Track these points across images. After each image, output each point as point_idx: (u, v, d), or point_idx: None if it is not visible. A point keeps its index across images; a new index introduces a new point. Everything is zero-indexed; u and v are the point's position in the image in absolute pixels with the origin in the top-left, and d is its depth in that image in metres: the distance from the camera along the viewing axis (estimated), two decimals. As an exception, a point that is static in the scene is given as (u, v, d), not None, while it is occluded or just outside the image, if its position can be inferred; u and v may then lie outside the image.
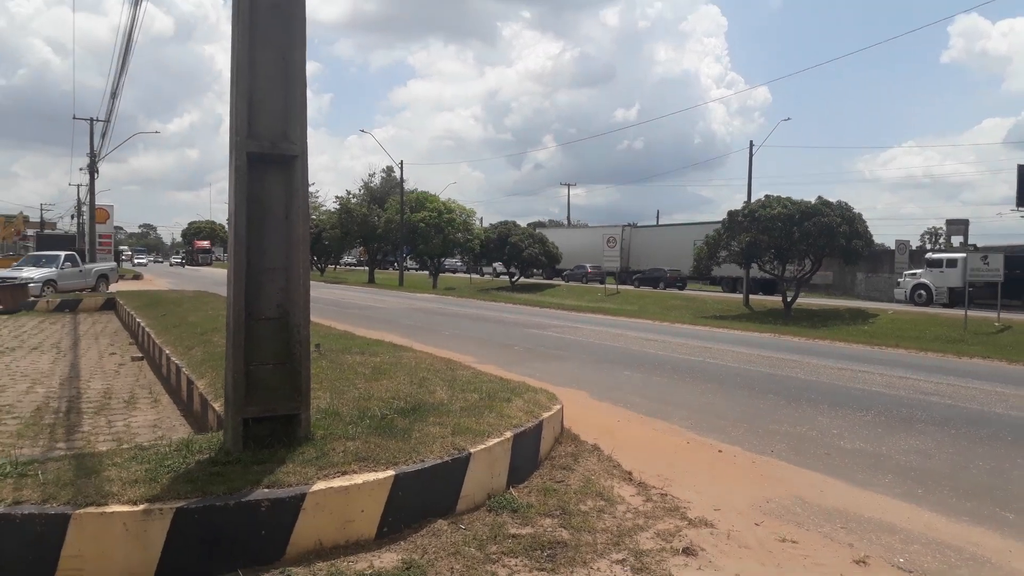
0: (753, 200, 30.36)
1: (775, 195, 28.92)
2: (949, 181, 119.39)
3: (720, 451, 6.78)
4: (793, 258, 28.41)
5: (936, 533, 4.78)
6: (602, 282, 41.66)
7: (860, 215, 27.94)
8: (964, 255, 28.45)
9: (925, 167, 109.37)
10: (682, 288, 41.08)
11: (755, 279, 35.34)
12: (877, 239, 30.59)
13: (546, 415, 6.23)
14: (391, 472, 4.43)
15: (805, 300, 30.37)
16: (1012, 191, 31.28)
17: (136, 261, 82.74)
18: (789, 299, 28.57)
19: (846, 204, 27.90)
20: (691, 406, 8.89)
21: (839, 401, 9.39)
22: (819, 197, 28.04)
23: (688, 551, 4.33)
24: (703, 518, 4.89)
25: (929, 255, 30.47)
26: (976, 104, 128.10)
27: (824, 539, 4.65)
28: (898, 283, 32.93)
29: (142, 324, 14.38)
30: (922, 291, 30.92)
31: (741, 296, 32.74)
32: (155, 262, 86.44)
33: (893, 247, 38.16)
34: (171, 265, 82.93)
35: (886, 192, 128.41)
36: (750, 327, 22.33)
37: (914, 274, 31.91)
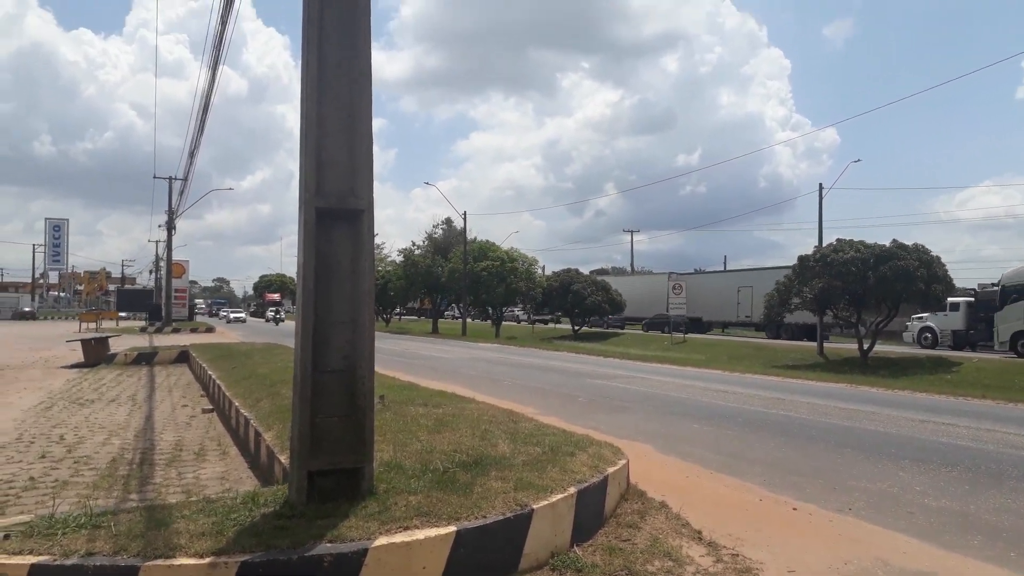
0: (824, 244, 29.61)
1: (847, 239, 28.18)
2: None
3: (795, 509, 6.49)
4: (869, 304, 27.47)
5: (1035, 602, 4.44)
6: (675, 330, 41.10)
7: (938, 258, 26.92)
8: (968, 299, 29.61)
9: (1006, 206, 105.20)
10: (685, 332, 39.91)
11: (798, 325, 35.43)
12: (957, 283, 29.41)
13: (611, 470, 6.08)
14: (453, 528, 4.38)
15: (882, 348, 29.24)
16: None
17: (232, 316, 73.03)
18: (866, 347, 27.54)
19: (923, 247, 26.96)
20: (763, 461, 8.57)
21: (922, 456, 8.92)
22: (894, 240, 27.20)
23: (762, 616, 4.12)
24: (778, 581, 4.66)
25: (950, 299, 29.85)
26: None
27: (910, 606, 4.37)
28: (906, 327, 33.13)
29: (213, 376, 14.79)
30: (928, 334, 32.32)
31: (815, 344, 31.75)
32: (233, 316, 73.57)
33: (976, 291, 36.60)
34: (267, 320, 71.04)
35: (965, 234, 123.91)
36: (825, 377, 21.59)
37: (920, 318, 32.56)
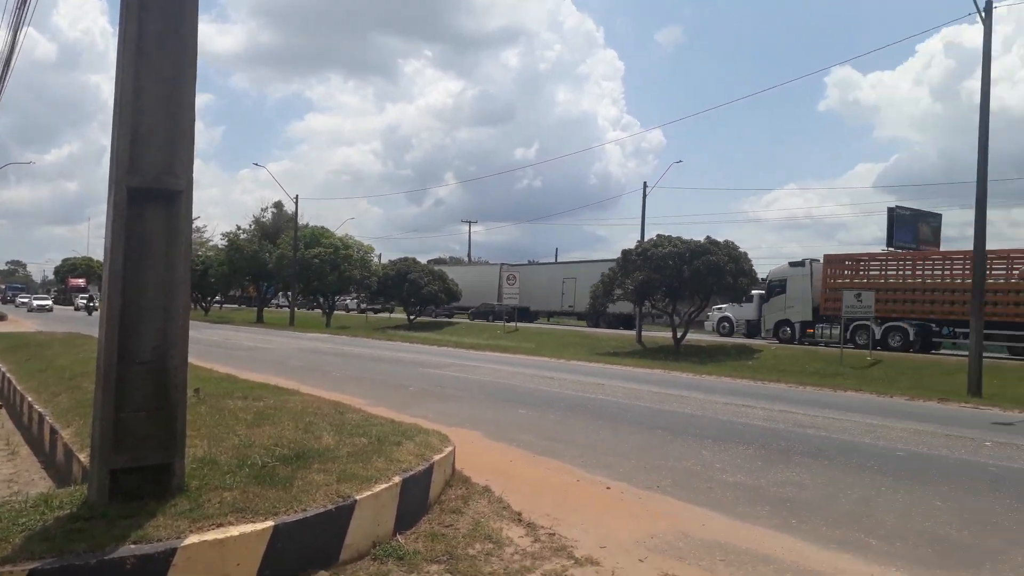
0: (646, 239, 31.42)
1: (666, 235, 30.06)
2: (826, 222, 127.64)
3: (608, 488, 6.89)
4: (684, 296, 29.49)
5: (807, 561, 5.00)
6: (504, 319, 42.08)
7: (745, 254, 29.39)
8: (760, 291, 32.01)
9: (805, 208, 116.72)
10: (508, 320, 41.61)
11: (616, 314, 37.84)
12: (762, 277, 32.32)
13: (437, 457, 6.16)
14: (270, 523, 4.27)
15: (693, 336, 31.52)
16: (882, 232, 33.62)
17: (35, 303, 61.55)
18: (679, 336, 29.56)
19: (732, 243, 29.30)
20: (582, 443, 9.01)
21: (723, 435, 9.74)
22: (707, 237, 29.37)
23: (573, 591, 4.36)
24: (589, 556, 4.93)
25: (754, 291, 32.93)
26: (850, 150, 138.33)
27: (704, 572, 4.78)
28: (707, 316, 35.88)
29: (2, 369, 13.38)
30: (725, 323, 35.50)
31: (635, 333, 33.67)
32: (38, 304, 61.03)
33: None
34: (76, 309, 61.64)
35: (770, 232, 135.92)
36: (642, 363, 22.97)
37: (720, 308, 35.28)
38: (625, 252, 30.35)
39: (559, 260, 63.25)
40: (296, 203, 48.83)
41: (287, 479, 5.03)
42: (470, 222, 79.32)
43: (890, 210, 33.23)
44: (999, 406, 14.69)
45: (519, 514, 5.79)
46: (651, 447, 8.91)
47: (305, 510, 4.50)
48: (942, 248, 33.24)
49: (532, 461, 7.99)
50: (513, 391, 14.23)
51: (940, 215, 35.71)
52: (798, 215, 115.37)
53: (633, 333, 34.26)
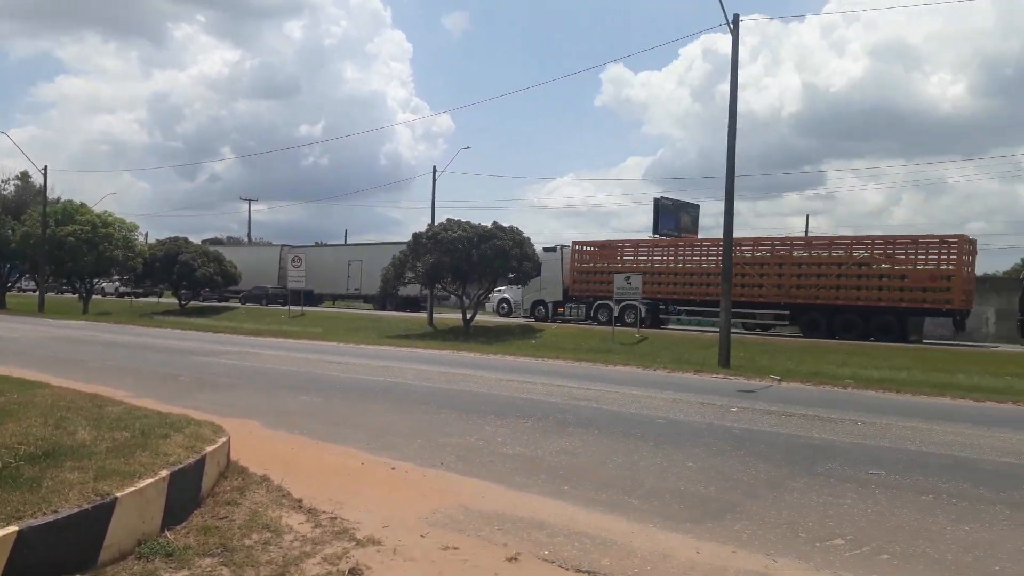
0: (437, 223, 31.71)
1: (456, 219, 30.54)
2: (601, 210, 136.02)
3: (393, 468, 6.94)
4: (473, 279, 30.20)
5: (576, 524, 5.38)
6: (280, 302, 40.55)
7: (529, 239, 30.65)
8: (538, 277, 33.52)
9: (583, 197, 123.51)
10: (284, 304, 41.40)
11: (406, 298, 38.26)
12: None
13: (209, 449, 5.85)
14: (13, 528, 3.84)
15: (482, 318, 32.41)
16: (650, 220, 36.58)
17: None
18: (468, 317, 30.25)
19: (517, 229, 30.39)
20: (368, 427, 8.98)
21: (505, 411, 10.15)
22: (494, 222, 30.21)
23: (354, 572, 4.36)
24: (371, 537, 4.95)
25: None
26: (622, 143, 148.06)
27: (483, 542, 4.98)
28: (488, 298, 37.66)
29: None
30: (504, 304, 37.47)
31: (426, 315, 33.94)
32: None
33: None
34: None
35: (552, 219, 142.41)
36: (432, 345, 23.26)
37: (500, 290, 37.37)
38: (416, 235, 30.45)
39: (348, 243, 62.04)
40: (45, 175, 43.51)
41: (34, 479, 4.54)
42: (250, 200, 75.05)
43: (656, 200, 36.24)
44: (744, 376, 16.63)
45: (300, 501, 5.67)
46: (437, 426, 9.08)
47: (56, 511, 4.10)
48: (700, 235, 36.84)
49: (316, 447, 7.83)
50: (297, 377, 13.82)
51: (698, 206, 39.59)
52: (576, 203, 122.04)
53: (423, 315, 34.53)
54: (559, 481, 6.61)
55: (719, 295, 26.51)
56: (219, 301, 47.16)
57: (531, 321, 32.91)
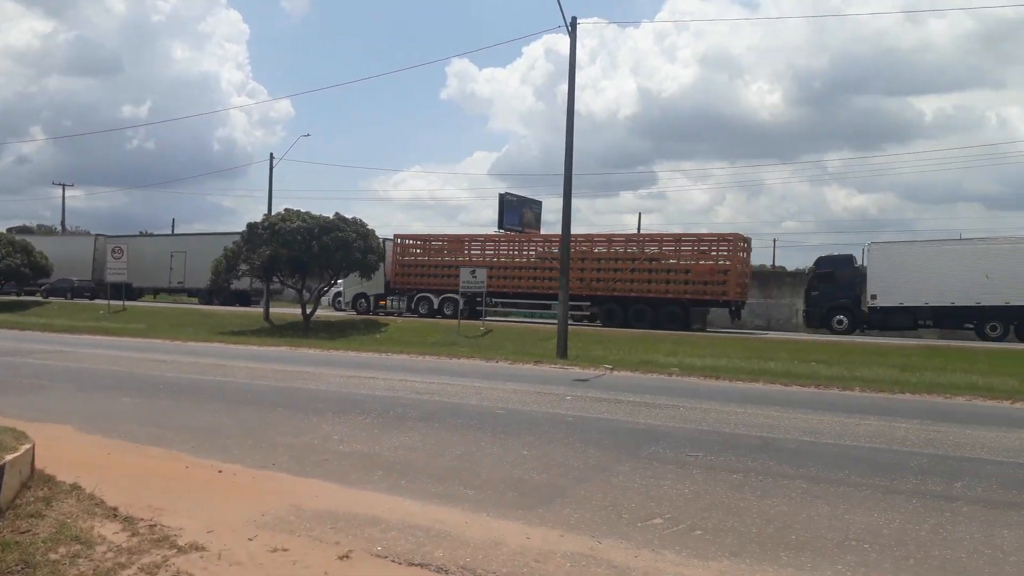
0: (274, 213, 30.51)
1: (295, 209, 29.53)
2: (449, 204, 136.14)
3: (220, 471, 6.64)
4: (313, 271, 29.32)
5: (412, 518, 5.40)
6: (87, 296, 37.51)
7: (373, 231, 30.18)
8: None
9: (430, 190, 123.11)
10: (92, 298, 39.29)
11: (236, 292, 36.82)
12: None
13: (9, 457, 5.34)
14: None
15: (323, 312, 31.60)
16: (495, 215, 37.05)
17: None
18: (309, 311, 29.37)
19: (361, 221, 29.82)
20: (194, 428, 8.54)
21: (343, 407, 9.97)
22: (336, 213, 29.49)
23: (175, 581, 4.15)
24: (195, 543, 4.72)
25: None
26: (469, 138, 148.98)
27: (314, 541, 4.89)
28: (325, 291, 37.25)
29: None
30: (340, 299, 37.09)
31: (262, 310, 32.59)
32: None
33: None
34: None
35: (398, 211, 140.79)
36: (269, 341, 22.40)
37: (336, 284, 36.88)
38: (251, 226, 29.11)
39: (176, 232, 58.29)
40: None
41: None
42: (64, 185, 68.66)
43: (501, 196, 36.82)
44: (580, 365, 17.28)
45: (115, 509, 5.31)
46: (270, 426, 8.78)
47: None
48: (543, 231, 37.83)
49: (136, 451, 7.36)
50: (117, 377, 12.89)
51: (541, 202, 40.57)
52: (424, 196, 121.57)
53: (258, 310, 33.15)
54: (396, 476, 6.60)
55: (531, 288, 29.87)
56: (18, 296, 42.93)
57: (377, 316, 32.47)
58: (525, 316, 30.27)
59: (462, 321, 27.01)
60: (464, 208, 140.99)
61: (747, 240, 28.99)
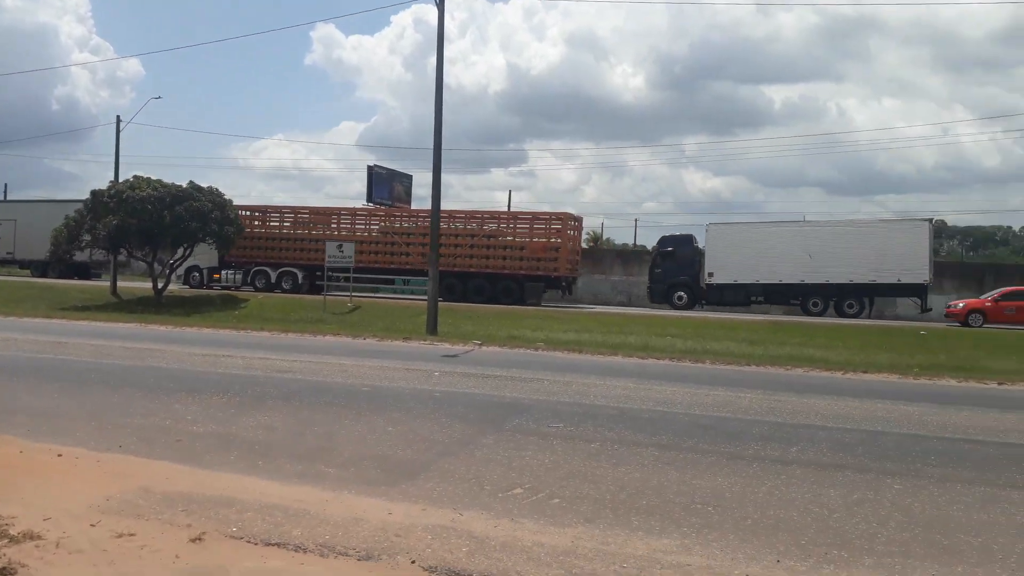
0: (121, 180, 28.49)
1: (145, 176, 27.70)
2: (314, 175, 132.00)
3: (60, 455, 6.21)
4: (166, 243, 27.68)
5: (269, 498, 5.26)
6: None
7: (231, 201, 28.76)
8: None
9: (293, 159, 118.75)
10: None
11: (75, 264, 34.17)
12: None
13: None
14: None
15: (178, 287, 29.98)
16: (365, 187, 36.22)
17: None
18: (161, 286, 27.74)
19: (217, 190, 28.33)
20: (31, 411, 7.91)
21: (198, 387, 9.53)
22: (191, 182, 27.85)
23: (6, 572, 3.85)
24: (29, 531, 4.40)
25: None
26: (336, 107, 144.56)
27: (164, 525, 4.68)
28: (177, 265, 35.70)
29: None
30: (195, 273, 34.04)
31: (109, 284, 30.47)
32: None
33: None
34: None
35: (260, 181, 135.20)
36: (116, 317, 21.05)
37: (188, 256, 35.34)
38: (95, 193, 27.01)
39: (11, 199, 53.29)
40: None
41: None
42: None
43: (369, 168, 36.08)
44: (449, 341, 17.32)
45: (-67, 501, 4.86)
46: (117, 407, 8.28)
47: None
48: (413, 206, 37.47)
49: (-41, 437, 6.73)
50: (-62, 356, 11.70)
51: (411, 176, 40.08)
52: (287, 166, 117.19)
53: (104, 284, 31.01)
54: (254, 456, 6.41)
55: (374, 263, 29.68)
56: None
57: (236, 292, 31.08)
58: (369, 292, 29.97)
59: (328, 297, 26.38)
60: (330, 180, 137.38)
61: (578, 219, 30.39)
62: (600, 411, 8.88)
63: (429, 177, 20.34)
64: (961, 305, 25.90)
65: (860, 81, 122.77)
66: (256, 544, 4.44)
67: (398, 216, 32.27)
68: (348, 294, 27.31)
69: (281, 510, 5.00)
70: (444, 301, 27.56)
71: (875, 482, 6.12)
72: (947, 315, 26.60)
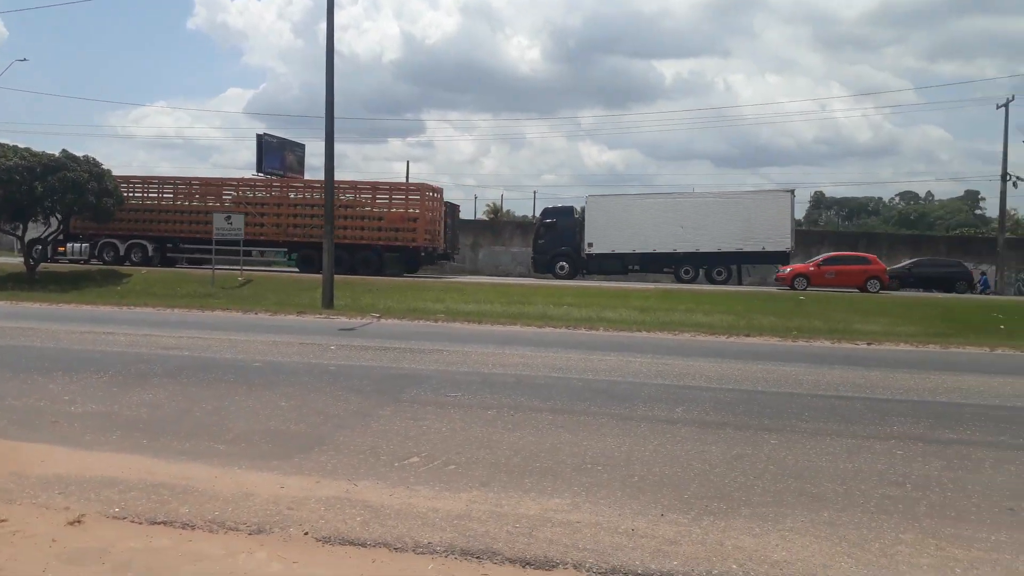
0: (-15, 149, 26.33)
1: (11, 144, 25.74)
2: (200, 143, 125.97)
3: (-82, 442, 5.79)
4: (37, 215, 25.89)
5: (154, 477, 5.09)
6: None
7: (110, 171, 27.13)
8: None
9: (177, 127, 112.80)
10: None
11: None
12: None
13: None
14: None
15: (53, 264, 28.17)
16: (254, 157, 34.84)
17: None
18: (34, 262, 25.98)
19: (94, 159, 26.65)
20: None
21: (76, 366, 9.04)
22: (64, 150, 26.09)
23: None
24: None
25: None
26: (221, 73, 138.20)
27: (39, 509, 4.46)
28: (50, 239, 33.97)
29: None
30: (39, 246, 33.07)
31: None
32: None
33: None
34: None
35: (141, 150, 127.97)
36: (-18, 295, 19.59)
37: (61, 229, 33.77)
38: (-45, 162, 24.95)
39: None
40: None
41: None
42: None
43: (259, 137, 34.81)
44: (347, 315, 17.08)
45: None
46: (-16, 389, 7.75)
47: None
48: (307, 176, 36.44)
49: None
50: None
51: (304, 145, 38.87)
52: (170, 134, 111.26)
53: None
54: (138, 435, 6.16)
55: (186, 231, 28.40)
56: None
57: (118, 267, 29.46)
58: (220, 264, 28.88)
59: (217, 271, 25.41)
60: (217, 148, 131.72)
61: (437, 190, 30.37)
62: (498, 379, 9.00)
63: (323, 147, 19.79)
64: (788, 270, 27.39)
65: (746, 57, 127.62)
66: (141, 524, 4.30)
67: (251, 186, 30.87)
68: (239, 268, 26.37)
69: (168, 488, 4.86)
70: (301, 273, 27.43)
71: (753, 438, 6.50)
72: (777, 279, 28.24)
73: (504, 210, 62.49)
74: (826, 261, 27.33)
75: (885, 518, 4.67)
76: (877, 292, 25.53)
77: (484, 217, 58.29)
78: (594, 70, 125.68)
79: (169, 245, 28.72)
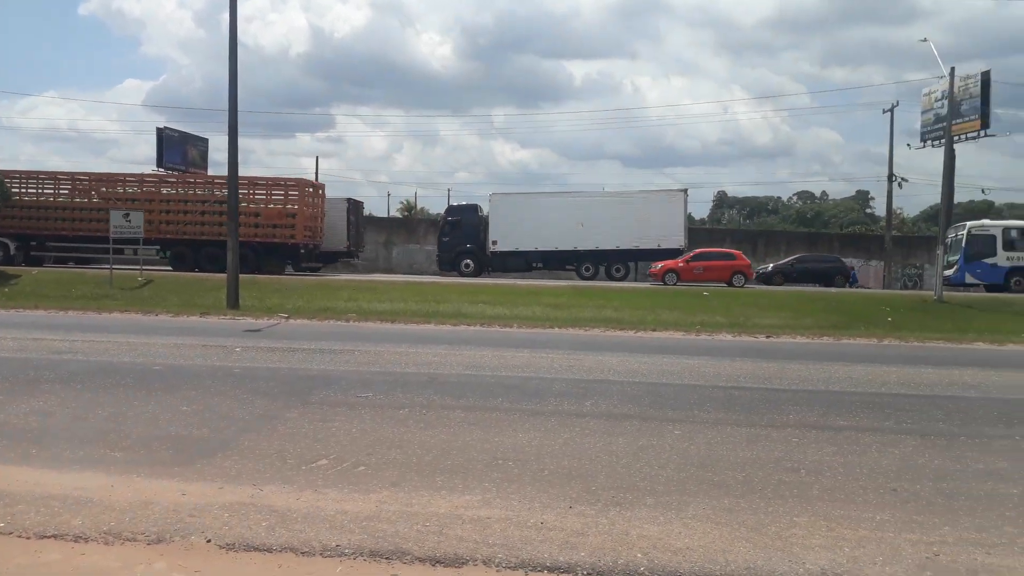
0: None
1: None
2: (95, 137, 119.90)
3: None
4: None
5: (45, 488, 4.84)
6: None
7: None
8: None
9: (70, 119, 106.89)
10: None
11: None
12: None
13: None
14: None
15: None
16: (154, 152, 33.43)
17: None
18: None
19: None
20: None
21: (-43, 373, 8.49)
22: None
23: None
24: None
25: None
26: (118, 63, 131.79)
27: (-87, 529, 4.17)
28: None
29: None
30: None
31: None
32: None
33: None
34: None
35: (29, 143, 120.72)
36: None
37: None
38: None
39: None
40: None
41: None
42: None
43: (159, 130, 33.49)
44: (253, 315, 16.61)
45: None
46: None
47: None
48: (210, 171, 35.25)
49: None
50: None
51: (208, 139, 37.65)
52: (61, 126, 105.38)
53: None
54: (26, 445, 5.83)
55: (92, 231, 27.21)
56: None
57: (5, 268, 27.79)
58: (85, 261, 28.25)
59: (117, 270, 24.25)
60: (114, 142, 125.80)
61: (317, 186, 30.35)
62: (411, 378, 8.96)
63: (227, 141, 19.14)
64: (660, 266, 28.49)
65: (651, 60, 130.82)
66: (28, 538, 4.08)
67: (123, 182, 29.79)
68: (139, 268, 25.27)
69: (59, 499, 4.62)
70: (174, 271, 26.75)
71: (658, 429, 6.71)
72: (650, 275, 29.40)
73: (418, 207, 62.19)
74: (695, 257, 28.54)
75: (781, 503, 4.91)
76: (742, 286, 26.95)
77: (398, 215, 57.81)
78: (505, 68, 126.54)
79: (33, 243, 27.42)
